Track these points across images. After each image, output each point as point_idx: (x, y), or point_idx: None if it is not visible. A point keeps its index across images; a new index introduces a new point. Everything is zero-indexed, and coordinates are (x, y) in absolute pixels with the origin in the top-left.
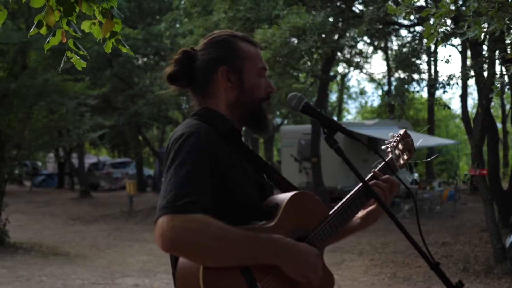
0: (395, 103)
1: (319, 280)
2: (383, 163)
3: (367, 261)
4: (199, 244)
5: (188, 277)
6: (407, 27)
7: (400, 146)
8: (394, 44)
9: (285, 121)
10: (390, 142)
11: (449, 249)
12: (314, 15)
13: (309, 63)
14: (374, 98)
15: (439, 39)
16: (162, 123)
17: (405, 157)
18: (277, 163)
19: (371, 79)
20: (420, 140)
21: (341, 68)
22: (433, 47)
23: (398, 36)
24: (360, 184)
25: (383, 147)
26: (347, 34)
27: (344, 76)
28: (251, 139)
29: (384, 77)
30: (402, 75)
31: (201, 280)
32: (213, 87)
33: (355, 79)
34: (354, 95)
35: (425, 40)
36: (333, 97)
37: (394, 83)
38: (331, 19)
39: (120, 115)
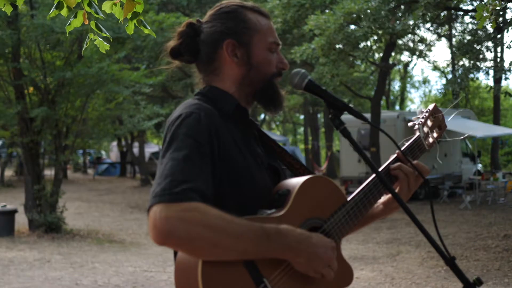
0: (459, 92)
1: (333, 275)
2: (409, 143)
3: (424, 253)
4: (197, 236)
5: (187, 271)
6: (468, 12)
7: (429, 123)
8: (459, 31)
9: None
10: (418, 118)
11: (511, 242)
12: (369, 0)
13: (369, 51)
14: (438, 87)
15: (491, 20)
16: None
17: (435, 135)
18: (337, 152)
19: (435, 68)
20: (485, 129)
21: (404, 57)
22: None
23: (462, 22)
24: (383, 166)
25: (409, 124)
26: (404, 20)
27: (406, 64)
28: (311, 128)
29: (448, 65)
30: (466, 63)
31: (200, 276)
32: (218, 63)
33: (419, 67)
34: (417, 84)
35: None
36: (396, 86)
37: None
38: (391, 5)
39: (177, 103)
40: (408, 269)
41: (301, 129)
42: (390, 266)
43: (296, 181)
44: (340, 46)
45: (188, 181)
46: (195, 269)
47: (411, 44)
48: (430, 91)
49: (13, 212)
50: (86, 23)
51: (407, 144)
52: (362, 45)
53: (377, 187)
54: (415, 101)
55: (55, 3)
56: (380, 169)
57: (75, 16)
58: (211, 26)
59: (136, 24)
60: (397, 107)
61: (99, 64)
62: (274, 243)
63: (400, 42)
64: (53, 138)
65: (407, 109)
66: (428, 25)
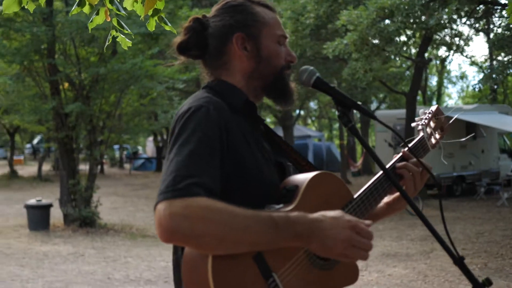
0: (495, 88)
1: (365, 254)
2: (413, 143)
3: (459, 250)
4: (202, 232)
5: (195, 267)
6: (505, 6)
7: (432, 124)
8: (497, 25)
9: (383, 106)
10: (421, 119)
11: None
12: None
13: (405, 46)
14: (475, 82)
15: None
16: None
17: (437, 136)
18: (372, 148)
19: (472, 63)
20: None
21: (441, 51)
22: None
23: (501, 17)
24: (388, 165)
25: (413, 124)
26: (437, 14)
27: (443, 59)
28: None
29: (486, 60)
30: (505, 58)
31: (210, 271)
32: (227, 56)
33: (456, 62)
34: (454, 79)
35: None
36: (433, 81)
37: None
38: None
39: None
40: (442, 267)
41: (337, 125)
42: (423, 263)
43: (304, 177)
44: (375, 41)
45: (192, 176)
46: (204, 264)
47: (448, 39)
48: (467, 86)
49: (48, 207)
50: (108, 20)
51: (411, 143)
52: (396, 40)
53: (382, 185)
54: (453, 97)
55: (77, 0)
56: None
57: (97, 13)
58: (219, 20)
59: (157, 21)
60: (434, 103)
61: (133, 60)
62: (283, 231)
63: (436, 36)
64: (88, 134)
65: (444, 104)
66: (464, 19)
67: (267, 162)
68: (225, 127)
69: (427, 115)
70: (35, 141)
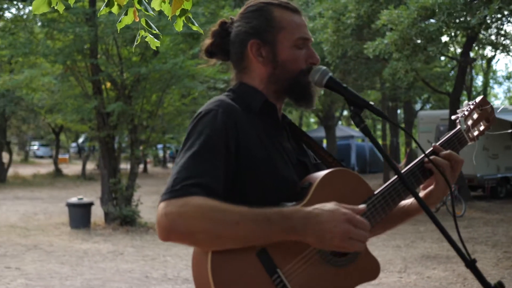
0: None
1: (361, 245)
2: (448, 135)
3: (500, 253)
4: (196, 229)
5: (199, 262)
6: None
7: (475, 116)
8: None
9: (427, 106)
10: (462, 111)
11: None
12: None
13: (447, 46)
14: None
15: None
16: (297, 108)
17: (482, 127)
18: (416, 149)
19: None
20: None
21: (487, 51)
22: None
23: None
24: (417, 160)
25: (453, 117)
26: (479, 14)
27: (490, 59)
28: (390, 124)
29: None
30: None
31: (209, 266)
32: (246, 62)
33: (503, 62)
34: (501, 79)
35: None
36: (479, 81)
37: None
38: None
39: None
40: (482, 270)
41: (380, 125)
42: (463, 266)
43: (319, 174)
44: (417, 41)
45: (192, 177)
46: (205, 259)
47: (493, 38)
48: None
49: (89, 205)
50: (137, 20)
51: (446, 137)
52: (439, 39)
53: (409, 180)
54: (499, 97)
55: (106, 1)
56: (413, 163)
57: (126, 14)
58: (237, 26)
59: (185, 21)
60: None
61: (174, 60)
62: (276, 226)
63: (481, 36)
64: (129, 133)
65: None
66: (510, 18)
67: (285, 161)
68: (235, 128)
69: (469, 106)
70: (80, 140)
